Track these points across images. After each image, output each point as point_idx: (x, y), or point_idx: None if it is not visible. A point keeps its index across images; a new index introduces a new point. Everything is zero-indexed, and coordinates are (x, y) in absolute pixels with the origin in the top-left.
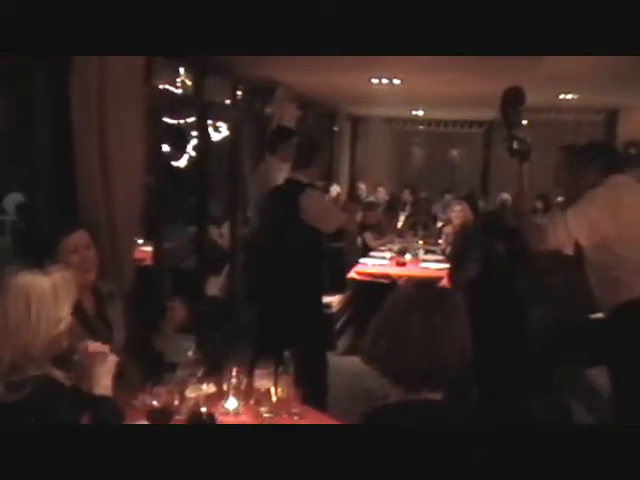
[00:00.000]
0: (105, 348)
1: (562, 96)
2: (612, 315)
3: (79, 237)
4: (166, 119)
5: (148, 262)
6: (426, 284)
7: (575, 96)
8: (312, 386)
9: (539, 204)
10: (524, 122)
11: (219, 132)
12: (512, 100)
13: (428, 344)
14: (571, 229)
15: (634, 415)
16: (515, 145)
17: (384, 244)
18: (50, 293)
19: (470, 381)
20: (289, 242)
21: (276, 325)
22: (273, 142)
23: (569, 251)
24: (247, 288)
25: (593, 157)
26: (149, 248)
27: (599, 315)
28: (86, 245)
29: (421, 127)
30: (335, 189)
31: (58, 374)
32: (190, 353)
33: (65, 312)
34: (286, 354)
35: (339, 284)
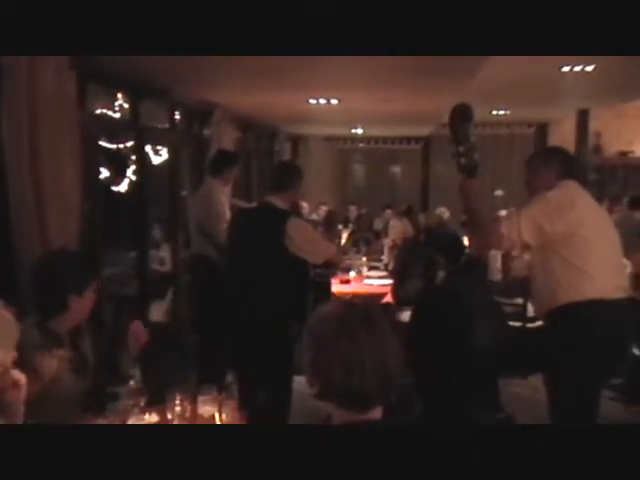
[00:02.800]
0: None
1: (495, 112)
2: (545, 319)
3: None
4: (105, 144)
5: None
6: (348, 303)
7: (507, 112)
8: (273, 411)
9: None
10: (472, 138)
11: (159, 155)
12: (460, 116)
13: (359, 363)
14: (522, 230)
15: (570, 417)
16: (463, 161)
17: None
18: None
19: (412, 397)
20: (269, 269)
21: (239, 350)
22: (216, 165)
23: (516, 253)
24: (193, 312)
25: (551, 160)
26: None
27: (538, 324)
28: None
29: (361, 145)
30: (323, 208)
31: None
32: (132, 382)
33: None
34: (228, 378)
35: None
